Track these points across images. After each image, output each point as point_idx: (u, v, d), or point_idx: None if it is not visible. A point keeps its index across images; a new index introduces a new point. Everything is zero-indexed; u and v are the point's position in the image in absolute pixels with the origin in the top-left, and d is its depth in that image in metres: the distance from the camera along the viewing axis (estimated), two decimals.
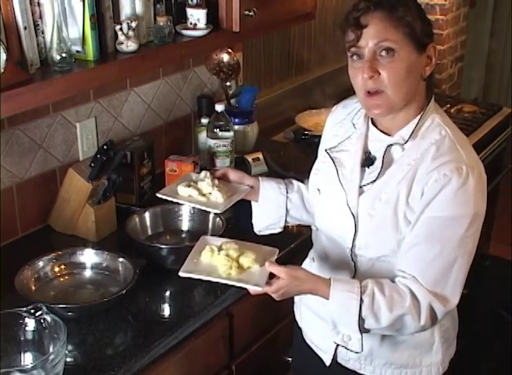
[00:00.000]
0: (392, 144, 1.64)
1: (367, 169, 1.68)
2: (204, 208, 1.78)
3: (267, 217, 1.89)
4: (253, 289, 1.56)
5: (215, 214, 2.02)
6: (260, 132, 2.82)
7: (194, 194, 1.79)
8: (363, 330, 1.58)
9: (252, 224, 1.91)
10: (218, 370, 2.00)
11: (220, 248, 1.67)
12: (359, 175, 1.67)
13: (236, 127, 2.68)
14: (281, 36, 3.20)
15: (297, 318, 1.97)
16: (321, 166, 1.80)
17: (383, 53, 1.53)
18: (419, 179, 1.58)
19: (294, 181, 1.92)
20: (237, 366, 2.06)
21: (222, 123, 2.54)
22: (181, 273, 1.59)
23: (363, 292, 1.55)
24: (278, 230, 1.91)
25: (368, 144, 1.70)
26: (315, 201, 1.81)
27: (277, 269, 1.57)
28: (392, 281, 1.60)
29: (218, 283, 1.85)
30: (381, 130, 1.67)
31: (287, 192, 1.88)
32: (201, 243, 1.71)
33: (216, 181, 1.82)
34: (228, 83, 2.77)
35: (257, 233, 1.91)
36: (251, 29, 2.35)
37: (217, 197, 1.78)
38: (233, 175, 1.86)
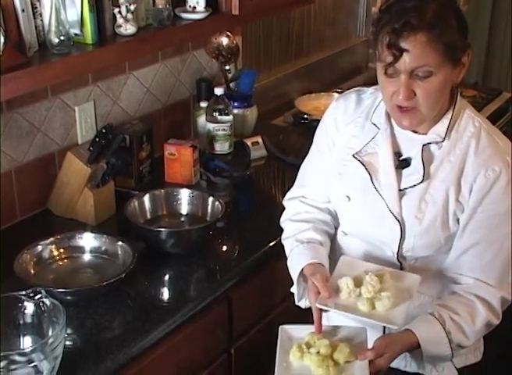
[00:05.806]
0: (427, 143, 1.59)
1: (402, 171, 1.62)
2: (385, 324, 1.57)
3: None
4: None
5: None
6: (259, 116, 2.81)
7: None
8: (456, 354, 1.61)
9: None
10: (217, 354, 2.01)
11: (308, 344, 1.56)
12: (395, 178, 1.61)
13: (236, 111, 2.67)
14: (280, 19, 3.19)
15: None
16: (344, 170, 1.70)
17: (420, 74, 1.47)
18: (466, 176, 1.57)
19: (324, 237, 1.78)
20: (236, 349, 2.06)
21: (221, 106, 2.53)
22: None
23: (443, 323, 1.56)
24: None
25: (399, 145, 1.63)
26: (343, 208, 1.73)
27: (372, 354, 1.50)
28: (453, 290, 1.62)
29: (217, 268, 1.86)
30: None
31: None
32: (284, 338, 1.59)
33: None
34: (227, 67, 2.76)
35: None
36: (251, 12, 2.34)
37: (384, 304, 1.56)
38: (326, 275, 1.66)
